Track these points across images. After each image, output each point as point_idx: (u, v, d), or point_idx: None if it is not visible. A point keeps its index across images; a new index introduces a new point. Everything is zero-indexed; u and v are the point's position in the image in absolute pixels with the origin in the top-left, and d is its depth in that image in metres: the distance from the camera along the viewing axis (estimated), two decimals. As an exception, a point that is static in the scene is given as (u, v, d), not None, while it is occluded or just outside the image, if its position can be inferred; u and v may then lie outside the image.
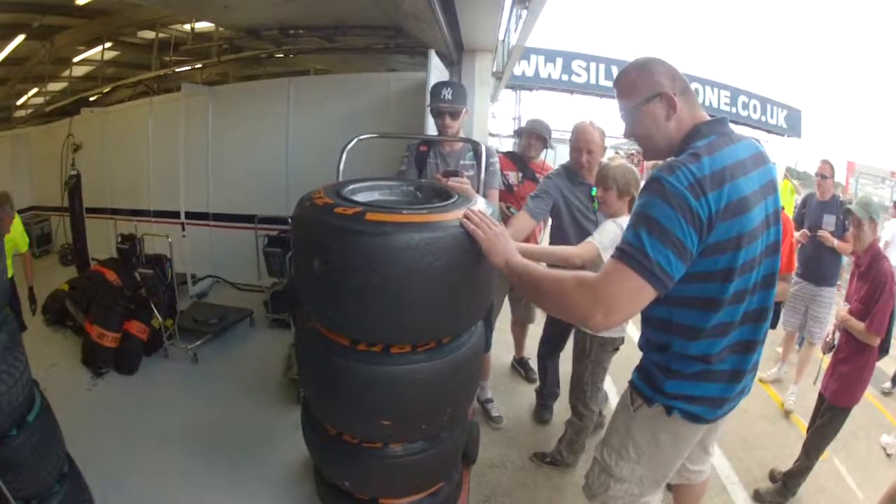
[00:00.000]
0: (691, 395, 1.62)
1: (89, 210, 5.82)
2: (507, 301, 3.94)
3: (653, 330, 1.68)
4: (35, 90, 7.58)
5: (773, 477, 3.09)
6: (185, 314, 4.58)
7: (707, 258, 1.42)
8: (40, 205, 7.31)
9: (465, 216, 1.81)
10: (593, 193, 3.00)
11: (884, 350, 2.81)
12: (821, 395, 2.97)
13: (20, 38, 5.92)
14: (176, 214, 5.52)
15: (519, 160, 3.93)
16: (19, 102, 7.67)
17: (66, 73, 7.39)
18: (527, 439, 3.41)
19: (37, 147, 7.28)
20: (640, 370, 1.79)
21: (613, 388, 3.92)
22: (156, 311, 4.10)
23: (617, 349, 2.90)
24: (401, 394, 2.05)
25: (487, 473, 3.11)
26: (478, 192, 2.46)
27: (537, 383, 3.73)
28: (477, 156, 2.71)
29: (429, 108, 3.02)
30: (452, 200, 2.06)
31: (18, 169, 7.40)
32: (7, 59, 6.22)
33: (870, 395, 3.61)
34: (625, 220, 2.60)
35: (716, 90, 14.09)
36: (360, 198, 2.15)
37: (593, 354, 2.86)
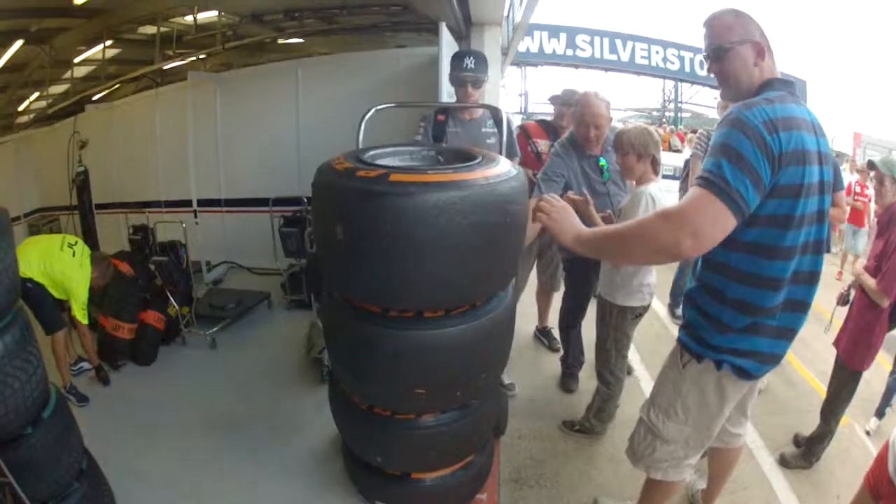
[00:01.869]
0: (739, 349, 1.66)
1: (98, 206, 5.78)
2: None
3: (711, 273, 1.70)
4: (36, 94, 7.51)
5: (797, 442, 3.05)
6: (201, 301, 4.55)
7: (772, 201, 1.48)
8: (48, 205, 7.20)
9: (539, 209, 1.76)
10: (602, 164, 2.99)
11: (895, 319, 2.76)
12: (837, 357, 2.92)
13: (18, 43, 5.87)
14: (187, 203, 5.49)
15: (551, 129, 3.90)
16: (20, 108, 7.61)
17: (68, 74, 7.30)
18: (554, 409, 3.37)
19: (41, 148, 7.16)
20: (687, 328, 1.81)
21: (636, 354, 3.89)
22: (172, 299, 4.07)
23: (639, 316, 2.85)
24: (435, 360, 2.01)
25: (517, 444, 3.07)
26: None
27: (561, 352, 3.70)
28: (497, 122, 2.67)
29: (449, 78, 2.99)
30: (477, 161, 2.01)
31: (23, 172, 7.27)
32: (6, 66, 6.17)
33: (884, 360, 3.50)
34: (652, 187, 2.56)
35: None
36: (381, 163, 2.09)
37: (614, 321, 2.82)
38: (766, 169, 1.41)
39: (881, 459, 1.62)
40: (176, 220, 4.70)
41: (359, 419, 2.31)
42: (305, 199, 4.50)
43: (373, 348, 2.02)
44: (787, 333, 1.69)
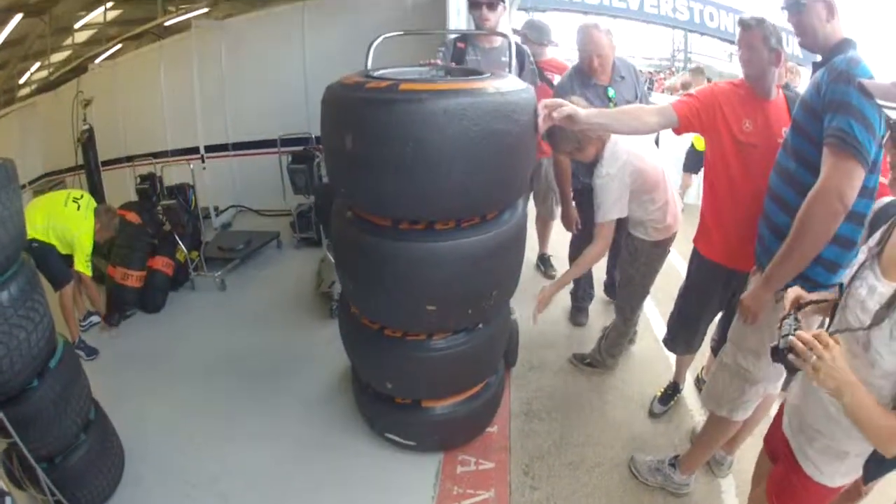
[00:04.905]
0: (835, 283, 1.72)
1: (105, 163, 5.76)
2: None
3: None
4: (38, 65, 7.37)
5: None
6: (210, 244, 4.55)
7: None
8: (54, 170, 7.14)
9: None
10: (609, 94, 2.94)
11: None
12: None
13: (18, 17, 5.80)
14: (195, 151, 5.41)
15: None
16: (22, 81, 7.50)
17: (69, 41, 7.21)
18: (563, 342, 3.38)
19: (45, 114, 7.09)
20: None
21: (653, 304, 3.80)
22: (180, 242, 4.06)
23: (668, 251, 2.78)
24: (446, 273, 2.00)
25: (527, 375, 3.09)
26: None
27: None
28: (509, 49, 2.59)
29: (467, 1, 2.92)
30: (487, 75, 2.02)
31: (28, 140, 7.21)
32: (6, 41, 6.09)
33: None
34: (611, 169, 2.44)
35: (730, 15, 13.52)
36: (391, 77, 2.07)
37: (644, 257, 2.73)
38: (879, 124, 1.53)
39: (777, 420, 1.64)
40: (184, 165, 4.67)
41: (370, 343, 2.31)
42: (314, 138, 4.49)
43: (384, 262, 2.01)
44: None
